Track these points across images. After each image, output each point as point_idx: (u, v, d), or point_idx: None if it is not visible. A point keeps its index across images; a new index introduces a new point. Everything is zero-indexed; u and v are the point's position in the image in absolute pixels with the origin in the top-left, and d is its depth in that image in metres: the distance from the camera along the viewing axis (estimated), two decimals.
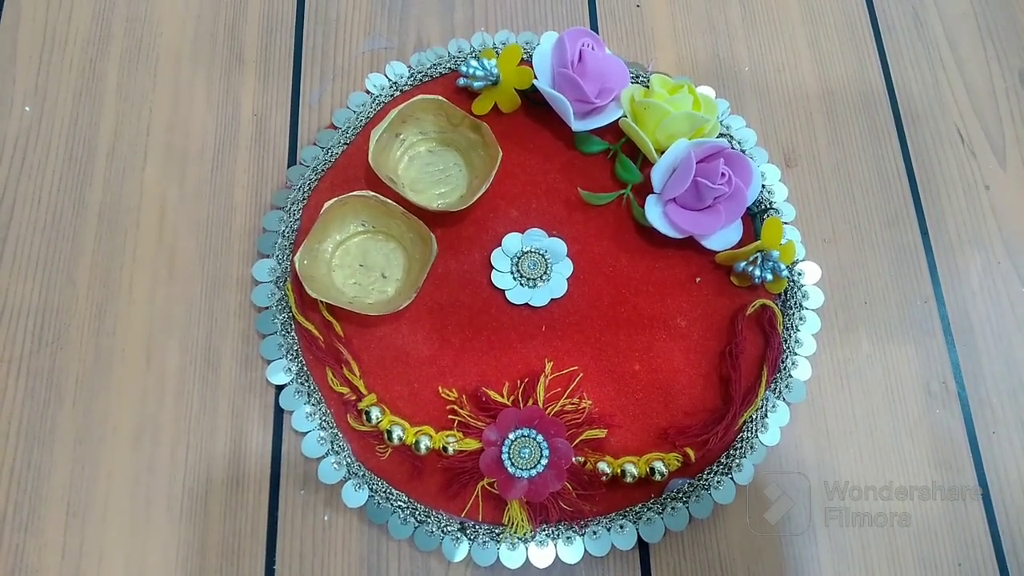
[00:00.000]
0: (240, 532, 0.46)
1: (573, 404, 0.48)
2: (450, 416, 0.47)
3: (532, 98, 0.54)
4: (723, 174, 0.49)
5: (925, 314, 0.53)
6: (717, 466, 0.47)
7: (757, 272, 0.49)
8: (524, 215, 0.52)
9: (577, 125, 0.52)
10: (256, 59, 0.57)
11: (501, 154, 0.50)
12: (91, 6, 0.58)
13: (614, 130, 0.54)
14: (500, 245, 0.51)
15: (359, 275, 0.50)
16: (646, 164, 0.53)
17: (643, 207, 0.51)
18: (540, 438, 0.45)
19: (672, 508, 0.46)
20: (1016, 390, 0.52)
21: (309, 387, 0.48)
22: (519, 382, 0.48)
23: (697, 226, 0.50)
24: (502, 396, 0.47)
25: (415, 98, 0.51)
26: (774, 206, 0.53)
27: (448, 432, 0.47)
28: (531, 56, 0.54)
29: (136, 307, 0.50)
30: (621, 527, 0.46)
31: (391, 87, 0.55)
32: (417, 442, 0.46)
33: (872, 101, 0.59)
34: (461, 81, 0.54)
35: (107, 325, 0.50)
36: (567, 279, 0.51)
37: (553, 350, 0.49)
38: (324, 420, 0.47)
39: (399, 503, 0.46)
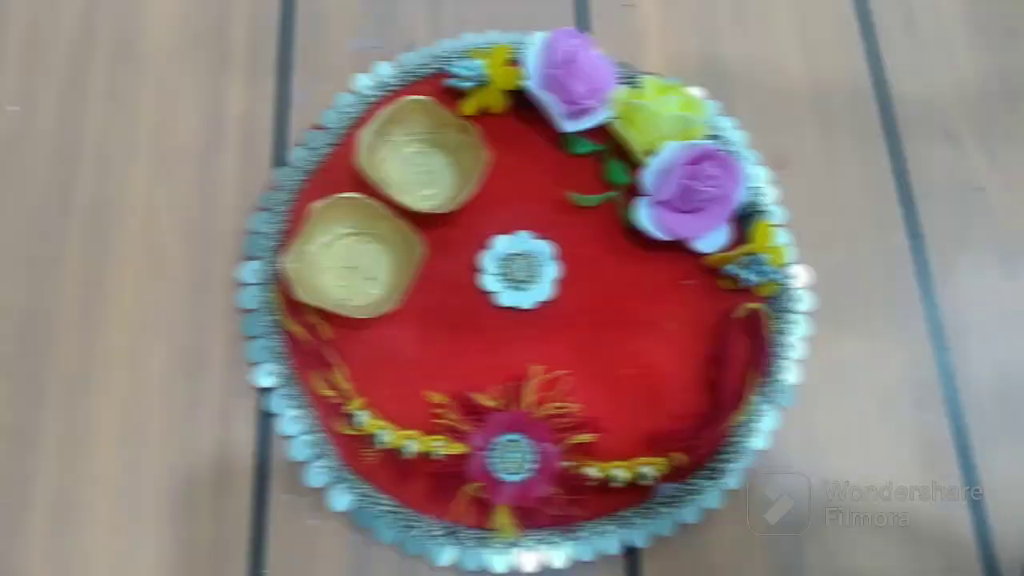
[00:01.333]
0: (226, 536, 0.46)
1: (561, 408, 0.47)
2: (436, 420, 0.47)
3: (521, 99, 0.54)
4: (712, 176, 0.48)
5: (916, 317, 0.53)
6: (706, 471, 0.47)
7: (747, 275, 0.49)
8: (512, 217, 0.52)
9: (566, 126, 0.52)
10: (243, 59, 0.56)
11: (489, 155, 0.50)
12: (77, 4, 0.57)
13: (603, 131, 0.53)
14: (488, 247, 0.51)
15: (346, 277, 0.50)
16: (635, 166, 0.52)
17: (632, 209, 0.50)
18: (527, 442, 0.45)
19: (660, 513, 0.46)
20: (1007, 394, 0.51)
21: (296, 390, 0.48)
22: (507, 386, 0.48)
23: (686, 228, 0.50)
24: (489, 400, 0.47)
25: (403, 99, 0.51)
26: (764, 208, 0.53)
27: (435, 436, 0.46)
28: (520, 56, 0.53)
29: (121, 309, 0.50)
30: (609, 532, 0.46)
31: (379, 88, 0.55)
32: (403, 446, 0.45)
33: (863, 102, 0.58)
34: (449, 81, 0.53)
35: (92, 326, 0.49)
36: (555, 282, 0.50)
37: (541, 353, 0.49)
38: (311, 424, 0.47)
39: (386, 508, 0.46)
